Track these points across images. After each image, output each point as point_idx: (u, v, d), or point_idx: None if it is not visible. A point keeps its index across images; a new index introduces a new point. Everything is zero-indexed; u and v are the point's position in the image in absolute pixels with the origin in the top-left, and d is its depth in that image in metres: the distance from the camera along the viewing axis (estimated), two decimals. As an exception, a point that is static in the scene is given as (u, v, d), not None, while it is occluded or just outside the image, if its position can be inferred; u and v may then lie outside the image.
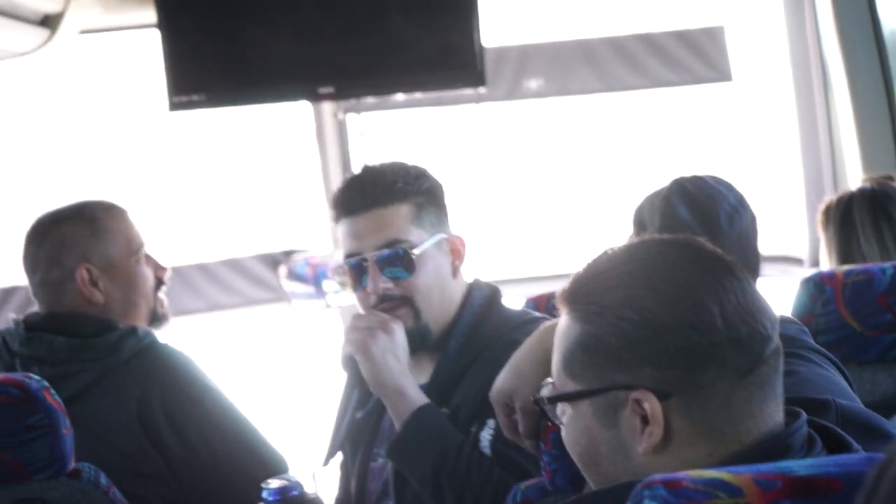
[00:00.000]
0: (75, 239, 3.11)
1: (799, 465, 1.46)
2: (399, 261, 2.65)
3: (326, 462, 2.76)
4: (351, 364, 2.64)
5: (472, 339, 2.66)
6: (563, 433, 1.76)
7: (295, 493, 2.68)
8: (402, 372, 2.60)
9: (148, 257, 3.21)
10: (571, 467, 2.03)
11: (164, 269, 3.24)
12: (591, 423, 1.69)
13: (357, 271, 2.68)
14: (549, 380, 1.76)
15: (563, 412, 1.75)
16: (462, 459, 2.51)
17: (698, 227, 2.65)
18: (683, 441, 1.63)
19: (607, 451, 1.69)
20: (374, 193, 2.66)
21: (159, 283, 3.24)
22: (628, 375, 1.64)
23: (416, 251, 2.65)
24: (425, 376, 2.70)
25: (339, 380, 2.79)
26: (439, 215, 2.71)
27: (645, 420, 1.63)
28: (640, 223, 2.77)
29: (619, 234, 2.86)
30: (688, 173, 2.80)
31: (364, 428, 2.76)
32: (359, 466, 2.79)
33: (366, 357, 2.60)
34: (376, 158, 2.78)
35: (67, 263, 3.10)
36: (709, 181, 2.77)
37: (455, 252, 2.71)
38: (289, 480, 2.66)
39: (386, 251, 2.65)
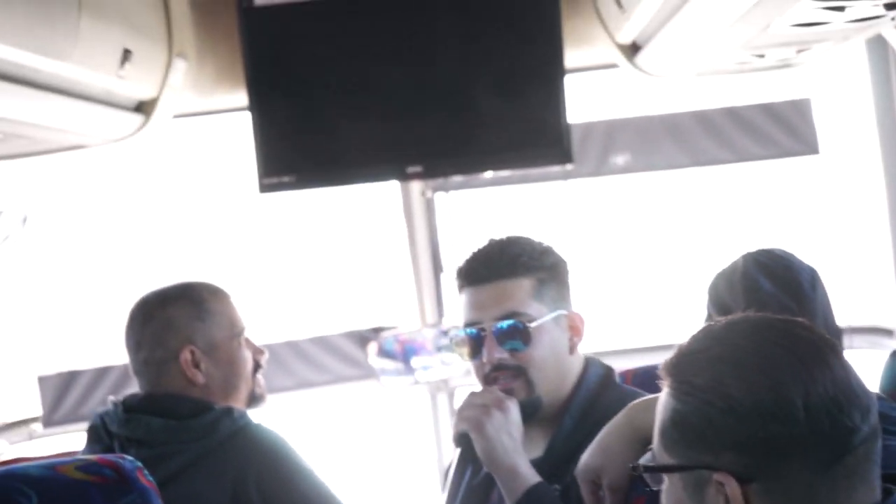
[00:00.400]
0: (181, 320, 3.16)
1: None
2: (516, 333, 2.69)
3: None
4: (464, 441, 2.66)
5: (587, 416, 2.66)
6: (663, 499, 1.79)
7: None
8: (516, 450, 2.62)
9: (247, 340, 3.25)
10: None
11: (262, 352, 3.28)
12: (682, 496, 1.72)
13: (475, 341, 2.73)
14: (651, 447, 1.79)
15: (661, 481, 1.78)
16: None
17: (784, 297, 2.66)
18: None
19: None
20: (498, 265, 2.72)
21: (257, 365, 3.28)
22: (712, 457, 1.66)
23: (533, 324, 2.68)
24: (538, 450, 2.72)
25: (429, 456, 2.81)
26: (560, 291, 2.74)
27: (728, 501, 1.65)
28: (720, 303, 2.77)
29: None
30: (754, 248, 2.83)
31: (474, 496, 2.77)
32: None
33: (480, 435, 2.62)
34: (467, 237, 2.82)
35: (172, 344, 3.15)
36: (779, 253, 2.81)
37: (573, 329, 2.74)
38: None
39: (505, 322, 2.69)
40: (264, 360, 3.31)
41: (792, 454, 1.62)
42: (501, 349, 2.71)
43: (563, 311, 2.74)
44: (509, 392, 2.70)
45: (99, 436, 3.14)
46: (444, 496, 2.78)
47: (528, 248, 2.76)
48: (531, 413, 2.71)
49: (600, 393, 2.71)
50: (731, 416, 1.65)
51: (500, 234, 2.82)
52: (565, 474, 2.62)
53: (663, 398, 1.76)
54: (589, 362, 2.77)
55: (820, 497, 1.63)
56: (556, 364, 2.72)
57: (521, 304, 2.71)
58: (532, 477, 2.60)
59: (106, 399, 3.31)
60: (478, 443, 2.63)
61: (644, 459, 1.82)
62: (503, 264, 2.72)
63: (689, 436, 1.70)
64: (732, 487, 1.64)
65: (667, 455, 1.74)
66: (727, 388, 1.66)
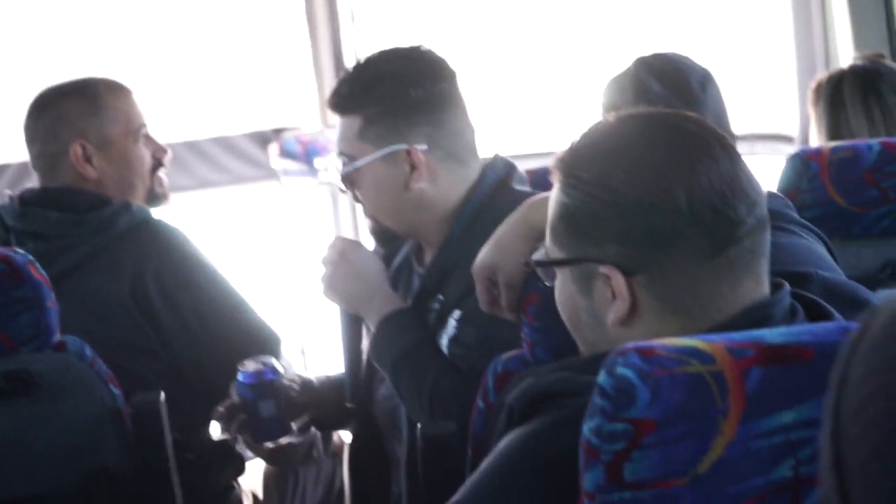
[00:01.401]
0: (74, 114, 3.13)
1: (772, 334, 1.47)
2: (341, 175, 2.68)
3: (350, 401, 2.78)
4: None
5: (477, 221, 2.60)
6: (556, 295, 1.81)
7: (269, 376, 2.73)
8: (368, 288, 2.66)
9: (148, 138, 3.22)
10: (552, 339, 2.06)
11: (164, 150, 3.26)
12: (572, 289, 1.75)
13: None
14: (545, 243, 1.80)
15: (553, 276, 1.81)
16: (412, 357, 2.56)
17: (673, 99, 2.66)
18: (651, 317, 1.68)
19: (586, 317, 1.75)
20: (337, 99, 2.66)
21: (158, 163, 3.25)
22: (597, 250, 1.69)
23: (345, 169, 2.65)
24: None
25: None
26: (395, 126, 2.61)
27: (615, 295, 1.68)
28: (611, 106, 2.76)
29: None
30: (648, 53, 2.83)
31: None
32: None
33: (333, 294, 2.68)
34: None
35: (63, 138, 3.12)
36: (672, 56, 2.81)
37: (412, 165, 2.61)
38: (265, 364, 2.71)
39: (338, 161, 2.68)
40: (167, 158, 3.28)
41: (674, 245, 1.64)
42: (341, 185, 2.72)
43: (398, 147, 2.61)
44: (368, 217, 2.74)
45: None
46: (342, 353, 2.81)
47: (365, 79, 2.64)
48: (384, 238, 2.75)
49: (494, 196, 2.65)
50: (614, 208, 1.66)
51: (381, 51, 2.70)
52: (449, 282, 2.62)
53: (554, 193, 1.77)
54: (488, 165, 2.70)
55: (703, 287, 1.65)
56: (391, 201, 2.65)
57: (347, 145, 2.65)
58: (385, 306, 2.63)
59: (2, 194, 3.28)
60: (336, 301, 2.70)
61: (536, 255, 1.85)
62: (338, 99, 2.65)
63: (575, 229, 1.72)
64: (617, 279, 1.67)
65: (557, 250, 1.77)
66: (611, 181, 1.67)
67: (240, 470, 3.30)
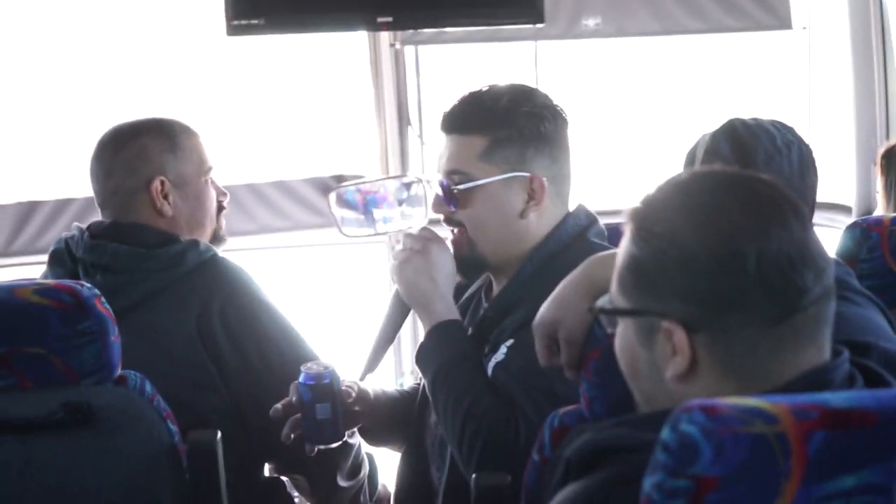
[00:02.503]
0: (154, 151, 3.17)
1: (836, 397, 1.48)
2: (448, 192, 2.70)
3: (363, 377, 2.84)
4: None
5: (548, 266, 2.67)
6: (616, 344, 1.82)
7: (326, 381, 2.77)
8: (434, 292, 2.70)
9: (212, 181, 3.27)
10: (610, 396, 2.07)
11: (224, 193, 3.31)
12: (633, 340, 1.75)
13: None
14: (611, 291, 1.81)
15: (615, 324, 1.82)
16: (458, 369, 2.59)
17: (735, 164, 2.67)
18: (709, 376, 1.67)
19: (645, 369, 1.75)
20: (458, 119, 2.72)
21: (220, 206, 3.30)
22: (661, 304, 1.69)
23: (462, 186, 2.68)
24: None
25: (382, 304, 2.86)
26: (522, 153, 2.70)
27: (675, 350, 1.68)
28: (691, 159, 2.79)
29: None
30: (748, 115, 2.84)
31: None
32: None
33: (400, 277, 2.73)
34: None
35: (144, 173, 3.16)
36: (762, 122, 2.80)
37: (531, 193, 2.70)
38: (325, 367, 2.75)
39: (444, 180, 2.71)
40: (227, 201, 3.33)
41: (738, 308, 1.64)
42: (440, 205, 2.74)
43: (522, 174, 2.71)
44: (456, 244, 2.75)
45: (62, 260, 3.15)
46: (377, 331, 2.85)
47: (501, 103, 2.72)
48: (473, 266, 2.77)
49: (570, 244, 2.72)
50: (682, 264, 1.67)
51: (499, 83, 2.80)
52: (509, 317, 2.66)
53: (624, 243, 1.78)
54: (571, 214, 2.77)
55: (765, 353, 1.65)
56: (498, 227, 2.72)
57: (465, 163, 2.71)
58: (445, 314, 2.68)
59: (70, 226, 3.31)
60: (398, 286, 2.75)
61: (601, 302, 1.86)
62: (461, 119, 2.72)
63: (642, 282, 1.72)
64: (679, 336, 1.67)
65: (622, 299, 1.77)
66: (681, 237, 1.68)
67: (292, 512, 3.32)
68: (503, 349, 2.62)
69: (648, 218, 1.74)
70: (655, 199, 1.77)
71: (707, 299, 1.65)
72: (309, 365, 2.81)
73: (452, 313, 2.71)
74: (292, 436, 2.83)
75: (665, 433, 1.44)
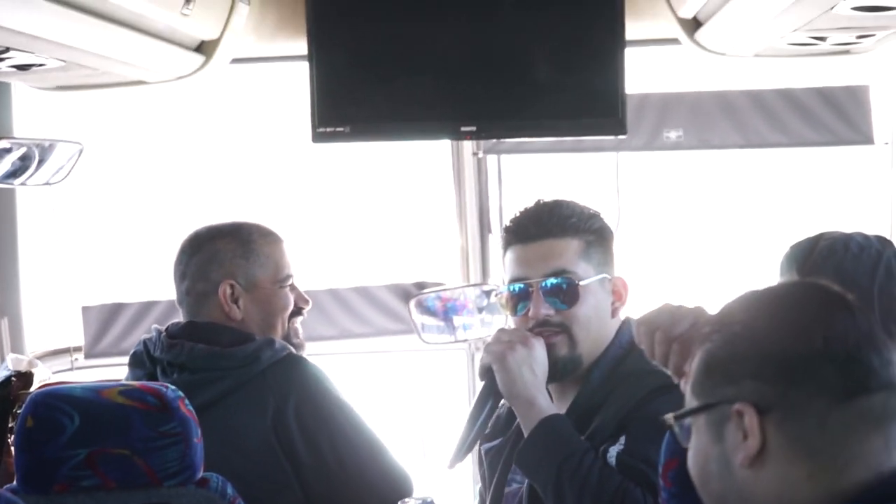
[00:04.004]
0: (226, 255, 3.23)
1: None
2: (563, 290, 2.77)
3: (453, 464, 2.85)
4: (488, 375, 2.79)
5: (615, 372, 2.76)
6: (689, 455, 1.83)
7: None
8: (536, 385, 2.73)
9: (293, 287, 3.31)
10: (690, 505, 2.06)
11: (306, 300, 3.35)
12: (705, 439, 1.78)
13: (519, 297, 2.82)
14: (686, 404, 1.84)
15: (689, 437, 1.83)
16: (585, 463, 2.59)
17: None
18: (781, 458, 1.68)
19: (716, 467, 1.76)
20: (548, 224, 2.81)
21: (298, 311, 3.33)
22: (733, 388, 1.72)
23: (581, 283, 2.74)
24: (566, 405, 2.78)
25: (461, 411, 2.88)
26: (605, 256, 2.84)
27: (746, 436, 1.70)
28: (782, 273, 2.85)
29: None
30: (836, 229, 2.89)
31: (500, 454, 2.84)
32: (494, 491, 2.87)
33: (502, 366, 2.74)
34: (513, 199, 2.90)
35: (214, 277, 3.22)
36: (860, 241, 2.86)
37: (616, 293, 2.83)
38: (424, 500, 2.74)
39: (553, 279, 2.77)
40: (307, 309, 3.37)
41: (808, 381, 1.67)
42: (548, 305, 2.78)
43: (608, 275, 2.83)
44: (551, 346, 2.77)
45: (141, 361, 3.20)
46: (465, 422, 2.85)
47: (576, 210, 2.85)
48: (570, 369, 2.79)
49: (630, 350, 2.77)
50: (753, 345, 1.71)
51: (547, 197, 2.89)
52: (590, 424, 2.70)
53: (700, 352, 1.81)
54: (626, 322, 2.85)
55: (831, 431, 1.67)
56: (598, 325, 2.81)
57: (570, 262, 2.79)
58: (549, 409, 2.70)
59: (150, 328, 3.37)
60: (499, 374, 2.76)
61: (677, 411, 1.86)
62: (553, 223, 2.80)
63: (714, 373, 1.76)
64: (750, 416, 1.69)
65: (694, 400, 1.80)
66: (754, 323, 1.74)
67: None
68: (621, 440, 2.64)
69: (721, 321, 1.80)
70: (731, 305, 1.82)
71: (777, 374, 1.69)
72: (408, 500, 2.83)
73: (554, 408, 2.74)
74: None
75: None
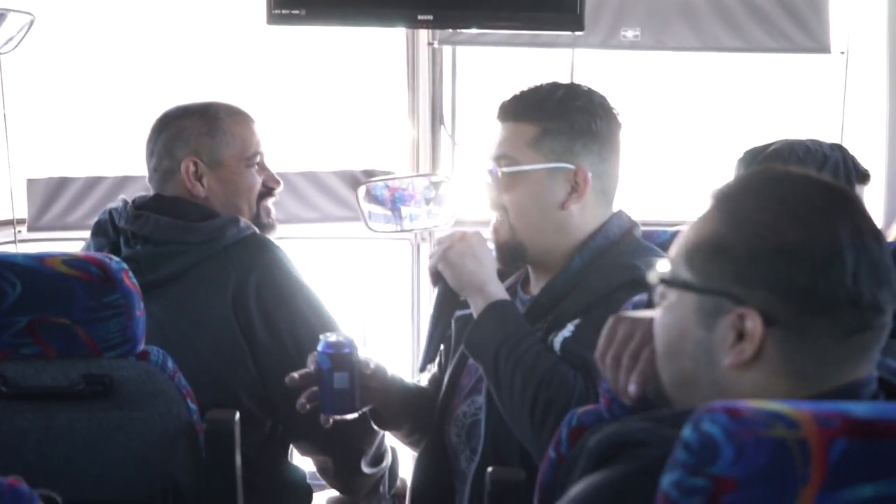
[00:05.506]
0: (191, 133, 3.22)
1: (860, 407, 1.47)
2: (495, 176, 2.75)
3: (423, 367, 2.87)
4: (439, 278, 2.82)
5: (595, 261, 2.75)
6: (658, 316, 1.80)
7: (346, 350, 2.79)
8: (481, 272, 2.75)
9: (262, 166, 3.30)
10: (630, 397, 2.07)
11: (276, 181, 3.34)
12: (690, 317, 1.73)
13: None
14: (673, 262, 1.78)
15: (665, 296, 1.78)
16: (522, 345, 2.61)
17: None
18: (769, 370, 1.67)
19: (694, 349, 1.73)
20: (513, 107, 2.79)
21: (269, 192, 3.32)
22: (744, 290, 1.66)
23: (506, 169, 2.72)
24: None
25: (407, 304, 2.88)
26: (570, 145, 2.76)
27: (740, 336, 1.66)
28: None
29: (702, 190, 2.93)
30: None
31: (466, 326, 2.85)
32: (456, 360, 2.88)
33: (445, 264, 2.77)
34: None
35: (178, 154, 3.22)
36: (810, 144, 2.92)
37: (575, 185, 2.76)
38: (345, 338, 2.77)
39: (492, 164, 2.76)
40: (278, 189, 3.36)
41: (824, 314, 1.64)
42: (487, 188, 2.79)
43: (567, 165, 2.76)
44: (497, 229, 2.79)
45: (105, 230, 3.20)
46: (428, 325, 2.88)
47: (551, 96, 2.79)
48: (515, 255, 2.80)
49: (617, 242, 2.79)
50: (782, 257, 1.64)
51: (562, 80, 2.86)
52: (558, 306, 2.70)
53: (707, 217, 1.75)
54: (616, 215, 2.84)
55: (831, 361, 1.66)
56: (540, 214, 2.78)
57: (513, 149, 2.77)
58: (497, 294, 2.72)
59: (96, 208, 3.35)
60: (445, 272, 2.79)
61: (661, 270, 1.81)
62: (520, 107, 2.79)
63: (725, 262, 1.69)
64: (755, 324, 1.65)
65: (688, 272, 1.74)
66: (783, 229, 1.65)
67: (307, 501, 3.32)
68: (570, 326, 2.66)
69: (741, 199, 1.72)
70: (744, 185, 1.75)
71: (799, 297, 1.64)
72: (329, 334, 2.83)
73: (504, 294, 2.76)
74: (308, 406, 2.85)
75: (686, 431, 1.44)
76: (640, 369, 1.96)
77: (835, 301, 1.63)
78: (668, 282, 1.78)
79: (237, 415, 2.77)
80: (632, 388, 1.97)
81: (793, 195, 1.69)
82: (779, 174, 1.75)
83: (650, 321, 1.89)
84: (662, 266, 1.81)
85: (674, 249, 1.79)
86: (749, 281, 1.66)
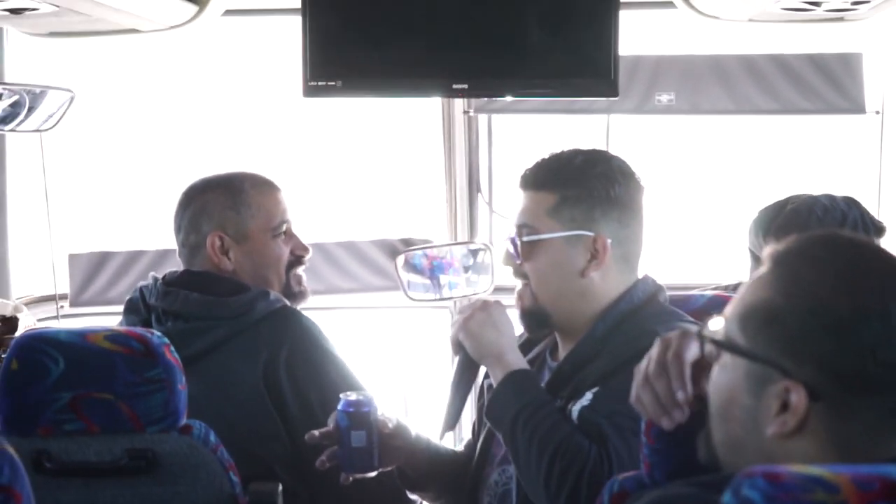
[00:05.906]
0: (215, 207, 3.24)
1: (898, 470, 1.47)
2: (514, 244, 2.76)
3: (442, 435, 2.88)
4: (460, 348, 2.83)
5: (619, 327, 2.74)
6: (713, 374, 1.78)
7: (365, 409, 2.81)
8: (501, 342, 2.75)
9: (290, 234, 3.31)
10: (670, 463, 2.07)
11: (305, 248, 3.34)
12: (740, 383, 1.72)
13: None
14: (728, 323, 1.75)
15: (718, 355, 1.77)
16: (540, 413, 2.61)
17: None
18: (814, 441, 1.65)
19: (742, 415, 1.72)
20: (533, 176, 2.81)
21: (298, 261, 3.33)
22: (792, 363, 1.65)
23: (526, 238, 2.75)
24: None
25: (447, 371, 2.90)
26: (592, 213, 2.76)
27: (784, 407, 1.65)
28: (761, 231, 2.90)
29: (736, 253, 2.94)
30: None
31: (482, 394, 2.86)
32: (487, 428, 2.89)
33: (466, 334, 2.78)
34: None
35: (204, 229, 3.23)
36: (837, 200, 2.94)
37: (594, 253, 2.77)
38: (364, 397, 2.78)
39: (514, 233, 2.80)
40: (307, 257, 3.36)
41: (873, 395, 1.63)
42: (508, 257, 2.82)
43: (586, 233, 2.77)
44: (520, 296, 2.82)
45: (136, 308, 3.21)
46: (449, 393, 2.88)
47: (566, 163, 2.81)
48: (538, 321, 2.82)
49: (641, 307, 2.78)
50: (833, 337, 1.62)
51: (583, 148, 2.88)
52: (583, 371, 2.70)
53: (764, 280, 1.73)
54: (641, 280, 2.84)
55: (875, 440, 1.65)
56: (560, 281, 2.79)
57: (534, 218, 2.80)
58: (517, 364, 2.72)
59: (137, 282, 3.38)
60: (465, 343, 2.79)
61: (714, 328, 1.79)
62: (540, 176, 2.81)
63: (777, 333, 1.67)
64: (800, 398, 1.64)
65: (741, 336, 1.72)
66: (837, 307, 1.63)
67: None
68: (588, 395, 2.65)
69: (795, 267, 1.69)
70: (803, 251, 1.72)
71: (847, 378, 1.62)
72: (349, 393, 2.85)
73: (523, 363, 2.76)
74: (327, 464, 2.86)
75: (727, 497, 1.44)
76: (690, 375, 1.92)
77: (883, 383, 1.62)
78: (721, 344, 1.77)
79: (280, 487, 2.78)
80: (680, 395, 1.92)
81: (849, 269, 1.67)
82: (838, 242, 1.73)
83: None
84: (716, 324, 1.79)
85: (729, 309, 1.77)
86: (798, 355, 1.64)
